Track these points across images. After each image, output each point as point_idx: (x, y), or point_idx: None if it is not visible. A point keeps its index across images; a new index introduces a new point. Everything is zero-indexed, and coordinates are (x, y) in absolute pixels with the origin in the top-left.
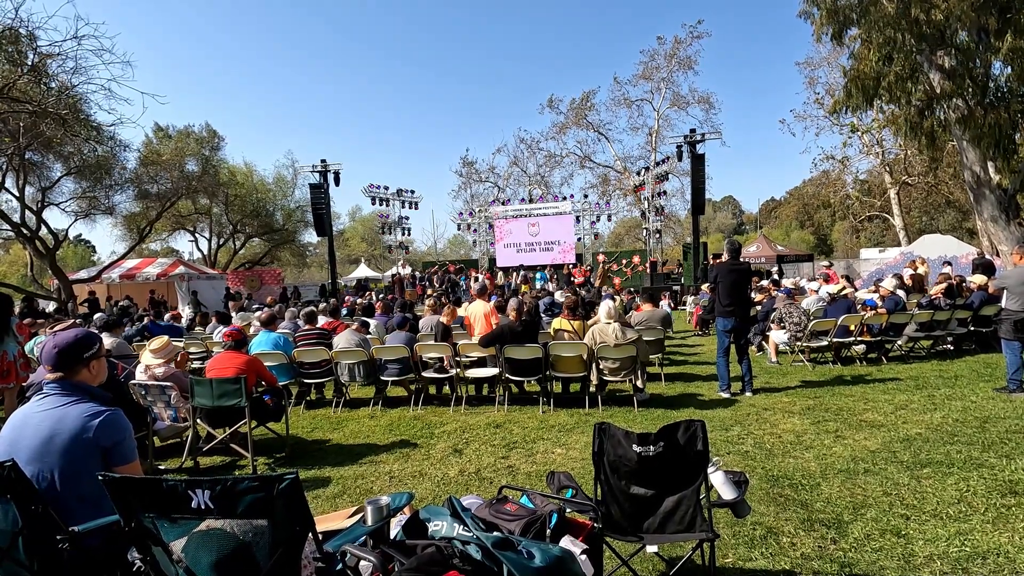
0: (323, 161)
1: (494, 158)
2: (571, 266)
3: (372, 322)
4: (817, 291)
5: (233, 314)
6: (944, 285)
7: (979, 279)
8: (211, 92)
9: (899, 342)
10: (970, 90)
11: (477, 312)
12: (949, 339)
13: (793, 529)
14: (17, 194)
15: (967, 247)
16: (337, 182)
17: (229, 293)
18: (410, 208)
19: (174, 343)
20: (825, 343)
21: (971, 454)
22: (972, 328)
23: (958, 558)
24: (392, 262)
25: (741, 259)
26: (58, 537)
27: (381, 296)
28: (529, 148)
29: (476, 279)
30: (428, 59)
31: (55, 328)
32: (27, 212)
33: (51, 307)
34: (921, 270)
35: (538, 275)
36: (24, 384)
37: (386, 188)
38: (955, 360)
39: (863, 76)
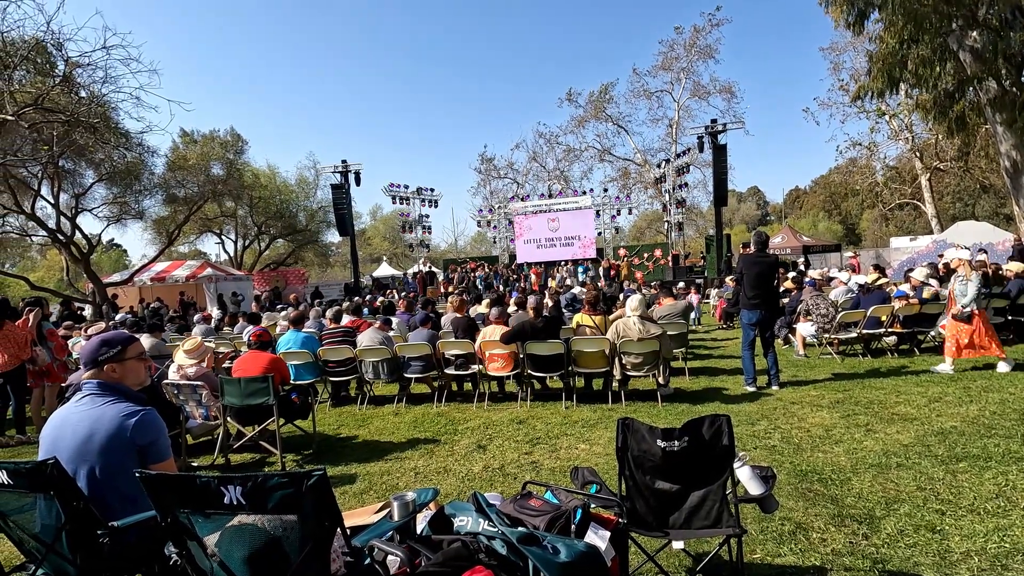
0: (344, 161)
1: (513, 154)
2: (612, 260)
3: (394, 320)
4: (846, 282)
5: (264, 315)
6: (979, 273)
7: (1016, 266)
8: (233, 95)
9: (932, 333)
10: (1004, 71)
11: (492, 336)
12: None
13: (823, 525)
14: (52, 201)
15: (1004, 233)
16: (358, 182)
17: (277, 293)
18: (430, 206)
19: (206, 344)
20: (854, 335)
21: (1010, 447)
22: (1010, 317)
23: (996, 554)
24: (414, 260)
25: (768, 251)
26: (99, 532)
27: (403, 294)
28: (548, 143)
29: (513, 284)
30: (445, 56)
31: (88, 330)
32: (62, 218)
33: (88, 310)
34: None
35: (580, 268)
36: (64, 384)
37: (406, 187)
38: None
39: (888, 60)
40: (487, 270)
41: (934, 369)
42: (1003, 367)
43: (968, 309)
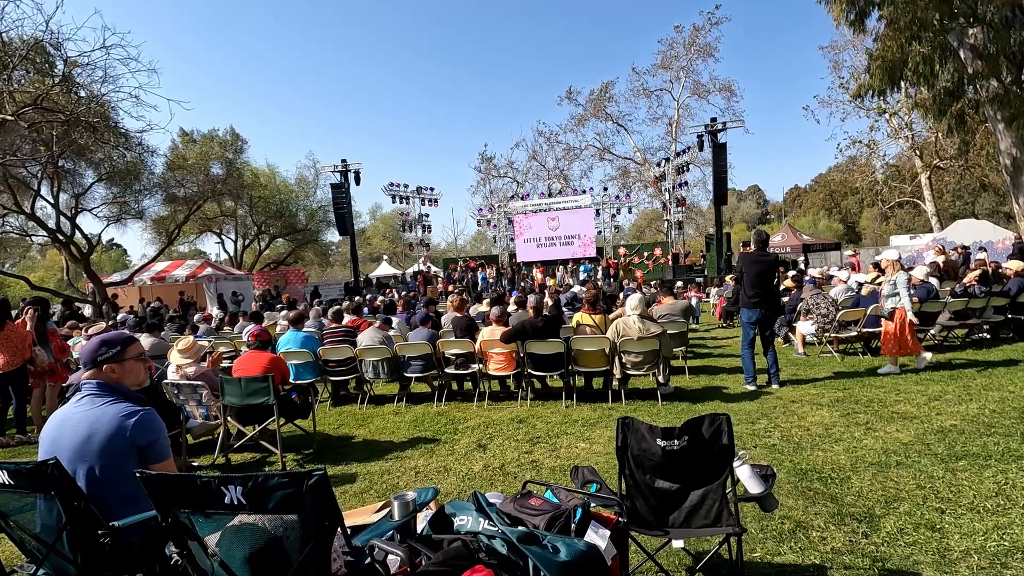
0: (343, 161)
1: (512, 153)
2: (611, 259)
3: (394, 319)
4: (846, 280)
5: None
6: (978, 272)
7: (1016, 265)
8: (232, 94)
9: (932, 331)
10: (1005, 69)
11: (491, 337)
12: (985, 327)
13: (823, 523)
14: (52, 201)
15: (1004, 232)
16: (358, 181)
17: (275, 292)
18: (430, 205)
19: (200, 343)
20: (854, 333)
21: (1009, 446)
22: (1010, 316)
23: (996, 553)
24: (414, 259)
25: (768, 250)
26: (99, 532)
27: (403, 293)
28: (548, 141)
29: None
30: (444, 55)
31: (88, 330)
32: (62, 218)
33: (87, 310)
34: (940, 259)
35: (582, 267)
36: (64, 384)
37: (405, 186)
38: (992, 349)
39: (888, 58)
40: (491, 269)
41: (881, 371)
42: (887, 368)
43: (889, 307)
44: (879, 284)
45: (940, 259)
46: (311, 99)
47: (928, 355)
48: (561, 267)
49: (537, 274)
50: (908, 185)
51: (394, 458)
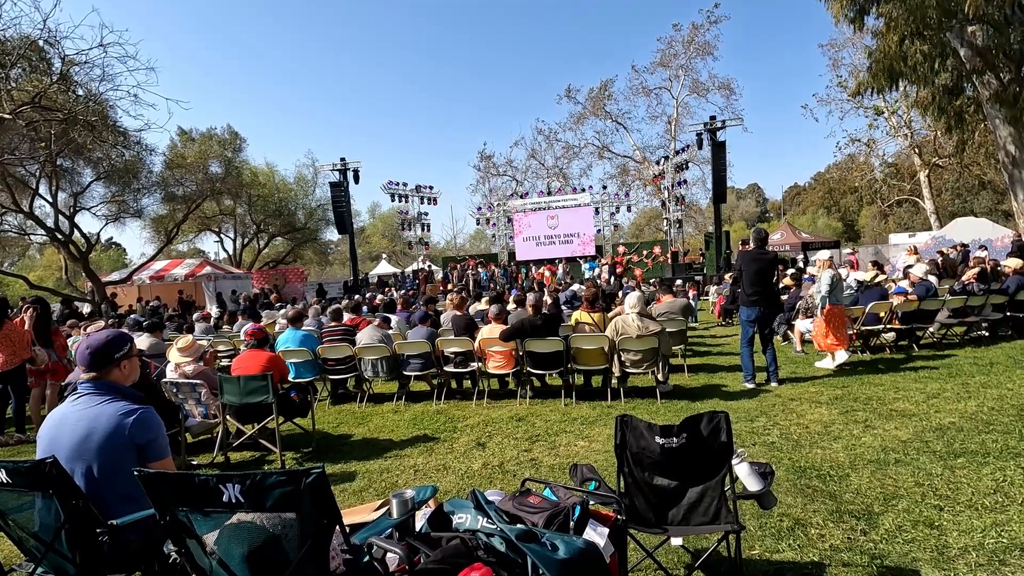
0: (342, 159)
1: (511, 151)
2: (613, 256)
3: (393, 318)
4: (845, 278)
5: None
6: (977, 269)
7: (1014, 263)
8: (232, 93)
9: (931, 329)
10: (1004, 66)
11: (490, 335)
12: (984, 325)
13: (821, 521)
14: (50, 200)
15: (1003, 230)
16: (356, 180)
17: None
18: (429, 204)
19: (199, 342)
20: (852, 331)
21: (1008, 443)
22: (1008, 313)
23: (994, 549)
24: (413, 258)
25: (767, 248)
26: (98, 530)
27: (402, 292)
28: (547, 139)
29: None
30: (444, 55)
31: (88, 329)
32: (60, 217)
33: (86, 309)
34: (912, 259)
35: (586, 265)
36: (63, 383)
37: (404, 184)
38: (990, 347)
39: (887, 56)
40: (492, 268)
41: (817, 364)
42: (840, 356)
43: (817, 303)
44: (878, 283)
45: (913, 259)
46: (311, 99)
47: (844, 355)
48: (560, 266)
49: (545, 271)
50: (907, 183)
51: (393, 456)
